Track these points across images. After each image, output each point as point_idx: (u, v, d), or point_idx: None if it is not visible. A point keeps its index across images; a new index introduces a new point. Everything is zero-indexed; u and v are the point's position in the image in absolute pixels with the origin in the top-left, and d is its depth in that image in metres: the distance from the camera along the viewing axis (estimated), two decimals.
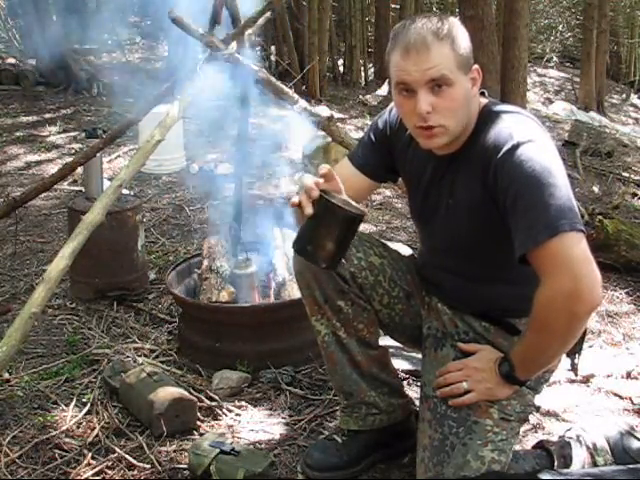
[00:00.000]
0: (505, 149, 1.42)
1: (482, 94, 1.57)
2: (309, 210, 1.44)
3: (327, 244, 1.44)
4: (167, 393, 1.94)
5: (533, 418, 2.00)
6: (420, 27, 1.45)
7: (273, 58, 9.64)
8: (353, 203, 1.51)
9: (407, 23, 1.48)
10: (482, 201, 1.50)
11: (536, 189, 1.37)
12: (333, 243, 1.44)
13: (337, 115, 6.87)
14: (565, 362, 1.70)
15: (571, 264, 1.34)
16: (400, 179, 1.81)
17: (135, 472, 1.80)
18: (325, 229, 1.44)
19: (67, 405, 2.09)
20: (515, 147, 1.41)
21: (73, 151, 5.49)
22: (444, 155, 1.57)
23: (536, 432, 1.99)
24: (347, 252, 1.54)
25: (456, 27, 1.48)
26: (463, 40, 1.47)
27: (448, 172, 1.58)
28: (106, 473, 1.80)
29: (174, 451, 1.88)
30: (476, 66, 1.51)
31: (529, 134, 1.43)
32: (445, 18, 1.49)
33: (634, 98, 12.74)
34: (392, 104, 1.70)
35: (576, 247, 1.34)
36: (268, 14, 2.65)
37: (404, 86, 1.47)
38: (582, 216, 3.08)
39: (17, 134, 6.10)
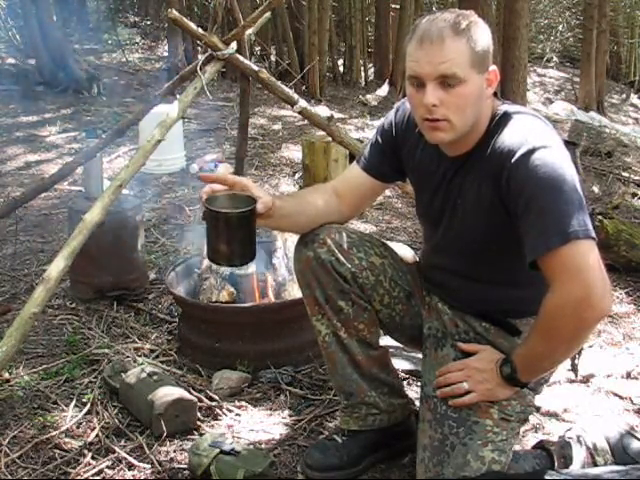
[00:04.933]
0: (519, 153, 1.41)
1: (494, 95, 1.56)
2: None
3: (220, 246, 1.53)
4: (167, 393, 1.94)
5: (533, 418, 2.00)
6: (439, 20, 1.44)
7: (273, 58, 9.64)
8: (245, 195, 1.55)
9: (428, 16, 1.48)
10: (492, 204, 1.49)
11: (549, 195, 1.36)
12: (225, 244, 1.52)
13: (337, 115, 6.87)
14: (565, 362, 1.70)
15: (583, 271, 1.33)
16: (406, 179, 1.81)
17: (135, 472, 1.80)
18: (213, 233, 1.52)
19: (67, 405, 2.09)
20: (530, 152, 1.39)
21: (73, 151, 5.49)
22: (455, 156, 1.57)
23: (536, 432, 1.98)
24: (251, 247, 1.57)
25: (478, 25, 1.46)
26: (482, 39, 1.45)
27: (459, 173, 1.57)
28: (106, 473, 1.80)
29: (174, 451, 1.88)
30: (494, 67, 1.49)
31: (544, 139, 1.42)
32: (468, 14, 1.47)
33: (634, 98, 12.75)
34: (397, 104, 1.71)
35: (588, 254, 1.34)
36: (268, 14, 2.65)
37: (415, 79, 1.47)
38: None
39: (17, 134, 6.10)
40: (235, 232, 1.52)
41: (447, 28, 1.42)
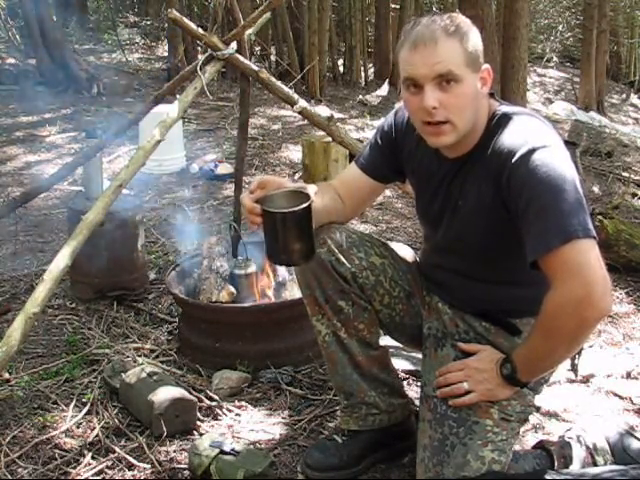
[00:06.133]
0: (520, 154, 1.41)
1: (492, 95, 1.57)
2: (260, 221, 1.52)
3: (294, 245, 1.52)
4: (167, 393, 1.94)
5: (533, 418, 2.00)
6: (429, 23, 1.46)
7: (273, 58, 9.65)
8: (295, 189, 1.57)
9: (417, 20, 1.49)
10: (492, 204, 1.49)
11: (550, 195, 1.36)
12: (298, 242, 1.52)
13: (337, 115, 6.87)
14: (565, 362, 1.69)
15: (583, 270, 1.33)
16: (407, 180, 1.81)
17: (135, 472, 1.80)
18: (283, 235, 1.51)
19: (67, 405, 2.09)
20: (530, 152, 1.40)
21: (73, 151, 5.49)
22: (455, 158, 1.57)
23: (536, 432, 1.98)
24: (315, 239, 1.58)
25: (467, 25, 1.48)
26: (473, 38, 1.47)
27: (459, 174, 1.57)
28: (106, 473, 1.80)
29: (174, 451, 1.88)
30: (487, 66, 1.50)
31: (544, 139, 1.42)
32: (456, 16, 1.49)
33: (634, 98, 12.76)
34: (397, 106, 1.70)
35: (588, 254, 1.34)
36: (268, 14, 2.65)
37: (411, 81, 1.47)
38: None
39: (17, 134, 6.10)
40: (305, 226, 1.51)
41: (438, 30, 1.44)
